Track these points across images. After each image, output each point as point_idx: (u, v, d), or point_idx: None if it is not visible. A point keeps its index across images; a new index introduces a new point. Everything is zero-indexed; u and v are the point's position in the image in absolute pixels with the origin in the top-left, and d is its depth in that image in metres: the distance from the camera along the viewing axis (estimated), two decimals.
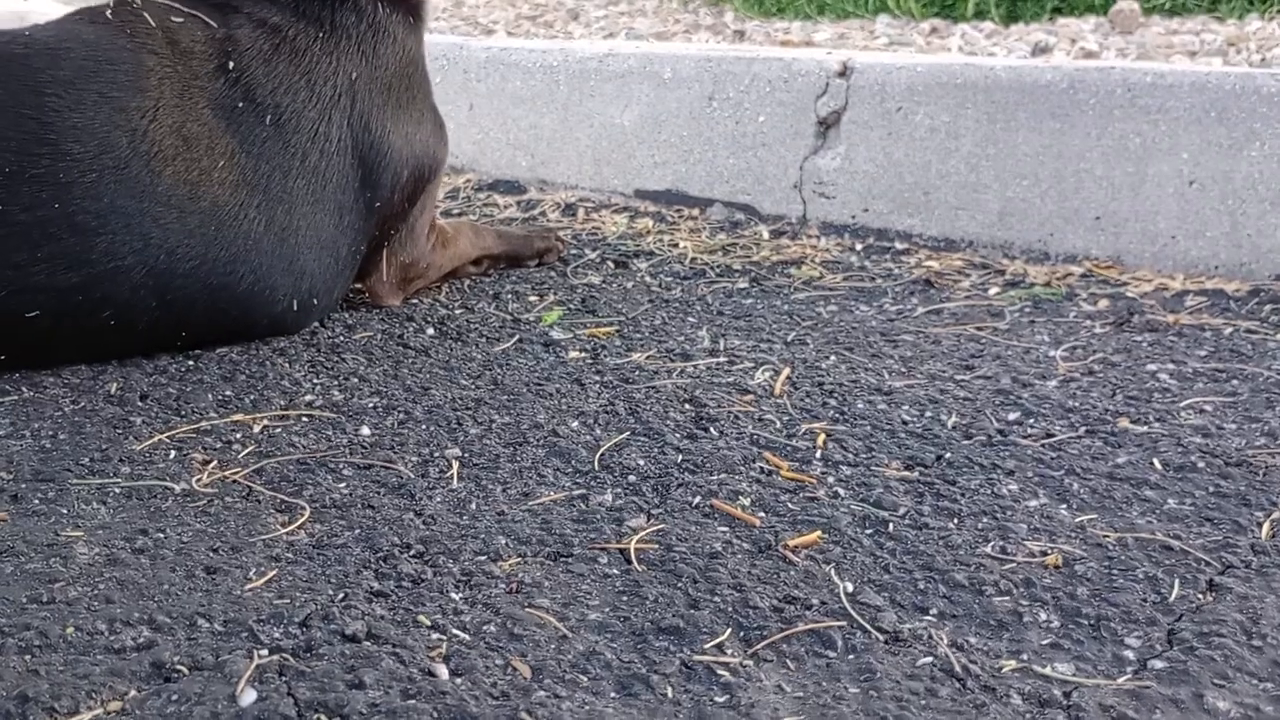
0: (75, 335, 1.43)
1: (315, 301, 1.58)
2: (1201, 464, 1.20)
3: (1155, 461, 1.21)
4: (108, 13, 1.52)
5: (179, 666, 0.87)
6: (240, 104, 1.51)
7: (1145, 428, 1.29)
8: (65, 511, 1.11)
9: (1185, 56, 2.34)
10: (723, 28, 3.16)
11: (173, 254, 1.44)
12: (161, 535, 1.06)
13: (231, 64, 1.51)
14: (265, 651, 0.89)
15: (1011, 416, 1.33)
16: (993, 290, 1.80)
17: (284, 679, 0.85)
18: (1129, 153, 1.85)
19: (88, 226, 1.39)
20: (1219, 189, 1.78)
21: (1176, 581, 0.99)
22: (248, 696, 0.83)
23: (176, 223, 1.44)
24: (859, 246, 2.05)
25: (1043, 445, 1.25)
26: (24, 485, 1.16)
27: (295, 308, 1.55)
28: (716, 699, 0.84)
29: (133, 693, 0.84)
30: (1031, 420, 1.32)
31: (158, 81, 1.47)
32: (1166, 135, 1.81)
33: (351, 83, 1.58)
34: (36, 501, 1.13)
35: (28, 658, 0.88)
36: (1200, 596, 0.97)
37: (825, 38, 2.81)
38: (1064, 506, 1.12)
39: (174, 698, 0.83)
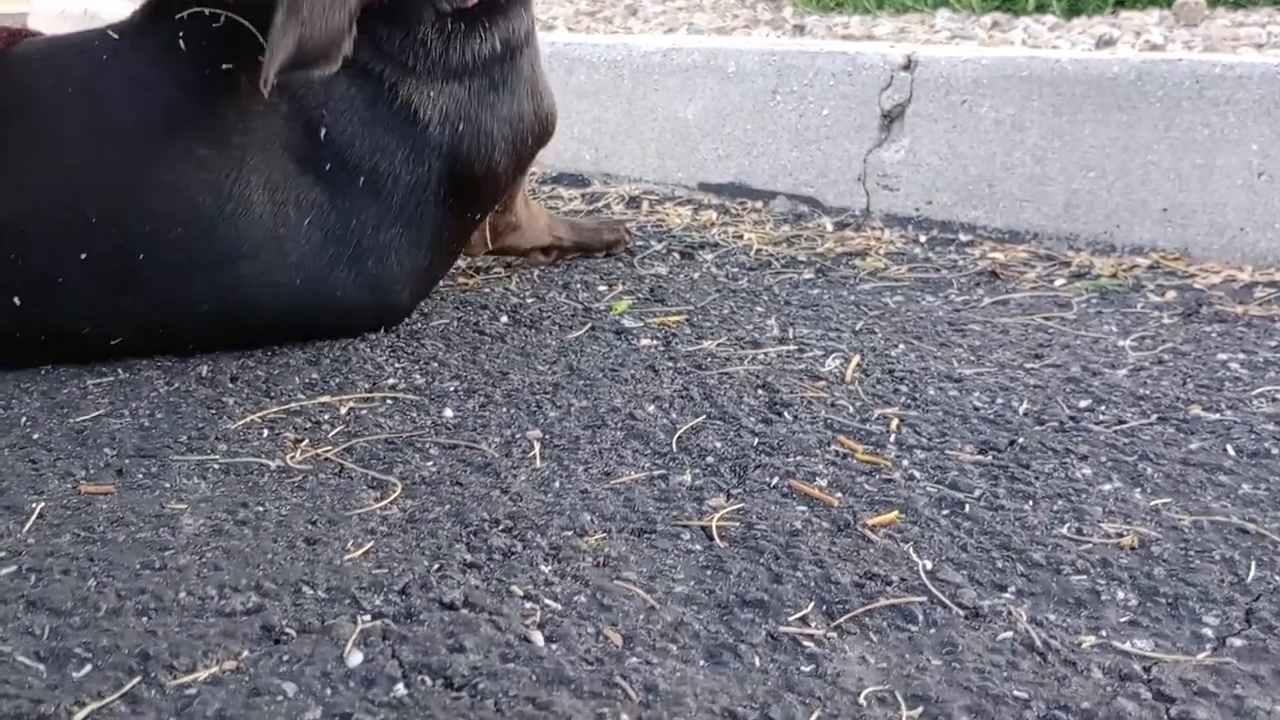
0: (159, 351, 1.51)
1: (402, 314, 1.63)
2: (1275, 450, 1.21)
3: (1228, 448, 1.22)
4: (181, 41, 1.46)
5: (288, 630, 0.91)
6: (328, 162, 1.49)
7: (1217, 415, 1.30)
8: (168, 486, 1.16)
9: (1252, 48, 2.32)
10: (782, 23, 3.18)
11: (254, 303, 1.47)
12: (261, 509, 1.11)
13: (318, 114, 1.49)
14: (368, 617, 0.93)
15: (1083, 403, 1.34)
16: (1059, 281, 1.81)
17: (388, 643, 0.89)
18: (1197, 144, 1.85)
19: (172, 275, 1.44)
20: None
21: (1253, 563, 1.01)
22: (355, 658, 0.87)
23: (262, 276, 1.46)
24: (923, 238, 2.06)
25: (1115, 431, 1.26)
26: (127, 460, 1.22)
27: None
28: (803, 668, 0.87)
29: (246, 653, 0.88)
30: (1103, 407, 1.33)
31: (241, 137, 1.45)
32: (1235, 127, 1.81)
33: (445, 117, 1.54)
34: (141, 476, 1.18)
35: (145, 619, 0.92)
36: (1278, 578, 0.99)
37: (885, 32, 2.82)
38: (1138, 490, 1.14)
39: (285, 658, 0.87)
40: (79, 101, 1.44)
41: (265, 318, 1.50)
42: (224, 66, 1.45)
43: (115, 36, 1.48)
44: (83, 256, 1.41)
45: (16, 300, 1.41)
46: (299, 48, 1.31)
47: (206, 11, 1.44)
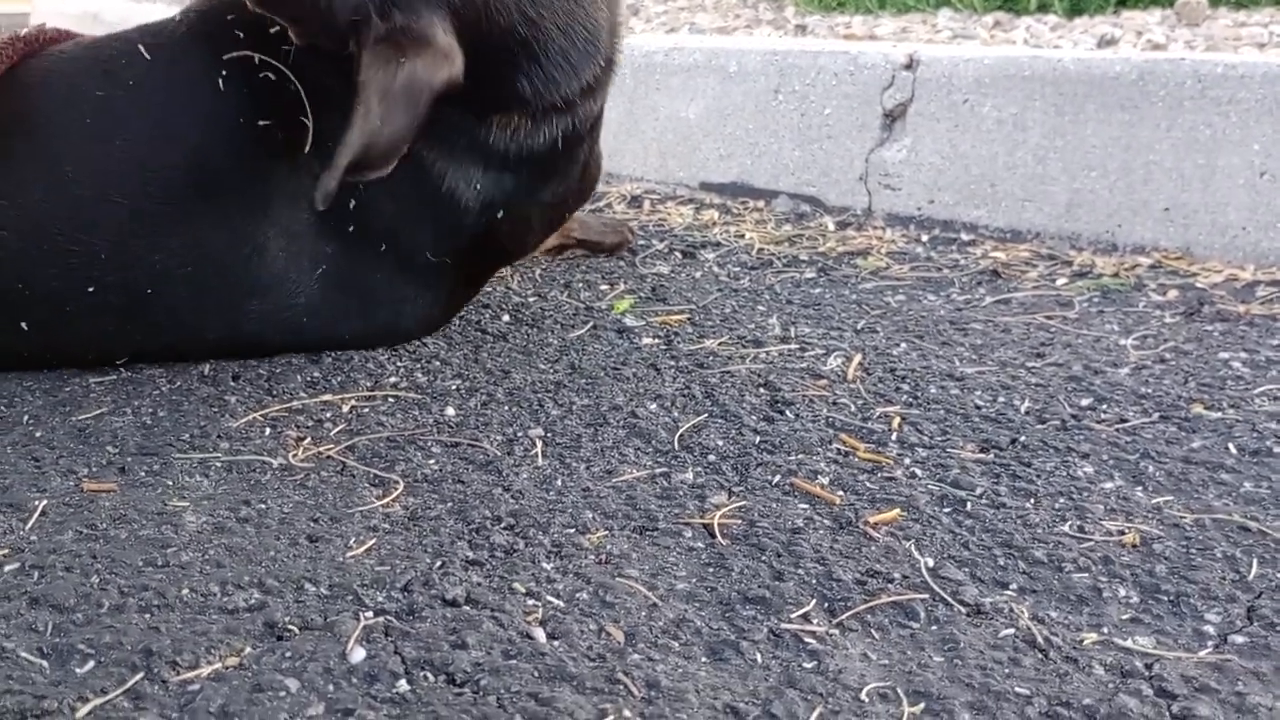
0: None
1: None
2: (1277, 449, 1.21)
3: (1230, 446, 1.22)
4: (221, 83, 1.38)
5: (290, 626, 0.91)
6: (353, 225, 1.43)
7: (1219, 414, 1.30)
8: (171, 483, 1.16)
9: (1254, 48, 2.32)
10: (784, 22, 3.18)
11: (260, 338, 1.47)
12: (264, 506, 1.11)
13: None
14: (371, 614, 0.93)
15: (1084, 402, 1.34)
16: (1060, 280, 1.81)
17: (390, 639, 0.89)
18: (1199, 144, 1.85)
19: (180, 312, 1.43)
20: None
21: (1255, 561, 1.01)
22: (357, 654, 0.87)
23: (272, 315, 1.44)
24: (925, 238, 2.06)
25: (1117, 430, 1.27)
26: (130, 458, 1.22)
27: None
28: (804, 665, 0.87)
29: (248, 649, 0.88)
30: (1104, 406, 1.33)
31: (266, 186, 1.40)
32: (1237, 126, 1.81)
33: (487, 205, 1.46)
34: (143, 474, 1.18)
35: (148, 616, 0.93)
36: (1279, 576, 0.99)
37: (887, 32, 2.82)
38: (1140, 488, 1.14)
39: (288, 654, 0.87)
40: (99, 131, 1.39)
41: (269, 350, 1.49)
42: (260, 120, 1.38)
43: (147, 57, 1.40)
44: (90, 290, 1.38)
45: (24, 325, 1.40)
46: (364, 152, 1.21)
47: (256, 59, 1.36)
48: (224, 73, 1.38)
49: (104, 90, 1.40)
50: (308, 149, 1.34)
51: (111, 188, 1.38)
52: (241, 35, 1.38)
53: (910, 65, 2.12)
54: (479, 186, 1.44)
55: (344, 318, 1.48)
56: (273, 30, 1.35)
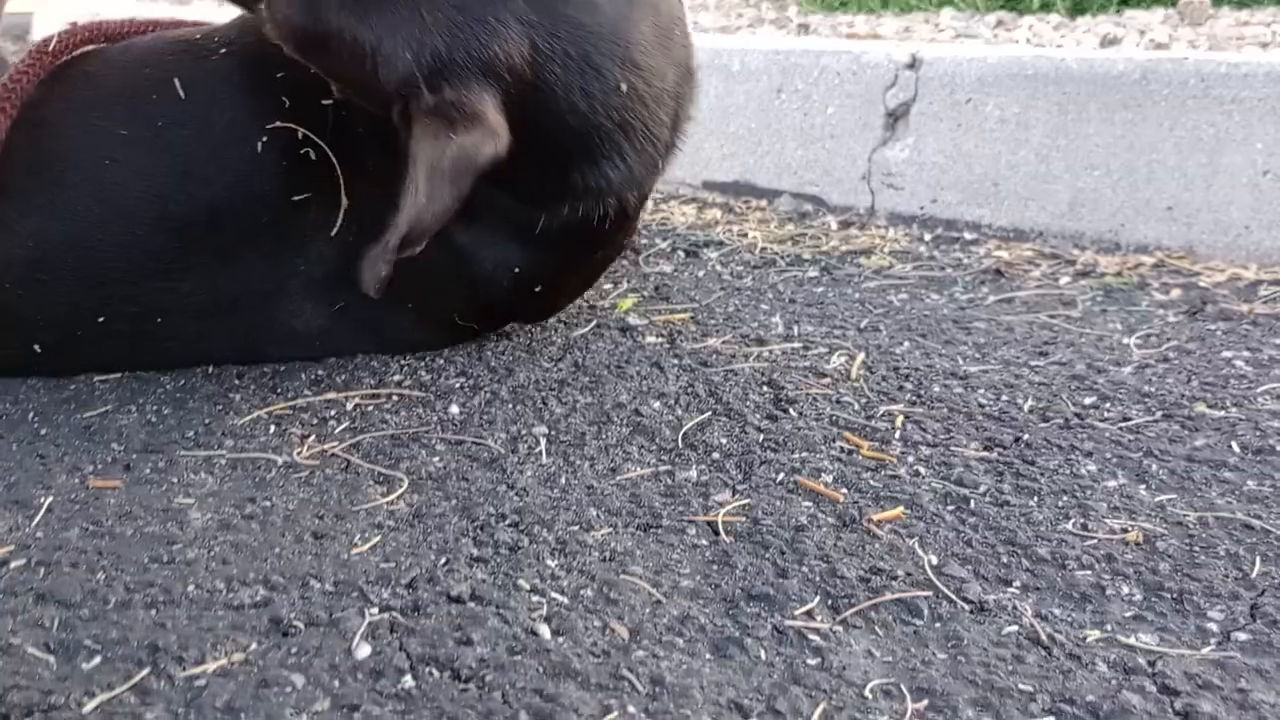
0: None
1: None
2: None
3: (1233, 445, 1.22)
4: (257, 143, 1.35)
5: (295, 622, 0.91)
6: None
7: (1222, 412, 1.30)
8: (176, 480, 1.17)
9: (1257, 48, 2.32)
10: (786, 22, 3.18)
11: (269, 356, 1.47)
12: (269, 503, 1.11)
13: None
14: (376, 610, 0.93)
15: (1088, 401, 1.34)
16: (1064, 280, 1.81)
17: (395, 635, 0.90)
18: (1202, 143, 1.85)
19: (191, 342, 1.43)
20: None
21: (1258, 559, 1.01)
22: (362, 650, 0.88)
23: (291, 349, 1.45)
24: (928, 237, 2.06)
25: (1120, 428, 1.27)
26: (135, 456, 1.22)
27: None
28: (808, 661, 0.88)
29: (254, 645, 0.89)
30: (1108, 404, 1.33)
31: (290, 231, 1.37)
32: (1240, 126, 1.81)
33: (516, 282, 1.43)
34: (148, 471, 1.19)
35: (154, 612, 0.93)
36: None
37: (890, 31, 2.83)
38: (1143, 486, 1.14)
39: (293, 650, 0.88)
40: (120, 174, 1.35)
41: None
42: (298, 192, 1.35)
43: (182, 95, 1.36)
44: (100, 320, 1.37)
45: (37, 348, 1.40)
46: (409, 231, 1.14)
47: (299, 134, 1.33)
48: (262, 127, 1.34)
49: (129, 131, 1.36)
50: (340, 219, 1.32)
51: (133, 225, 1.35)
52: (280, 77, 1.33)
53: (913, 64, 2.12)
54: (515, 264, 1.40)
55: (360, 348, 1.48)
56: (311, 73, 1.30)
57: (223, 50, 1.40)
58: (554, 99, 1.22)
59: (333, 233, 1.34)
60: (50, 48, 1.41)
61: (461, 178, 1.14)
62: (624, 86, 1.25)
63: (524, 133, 1.17)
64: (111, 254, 1.35)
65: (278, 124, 1.33)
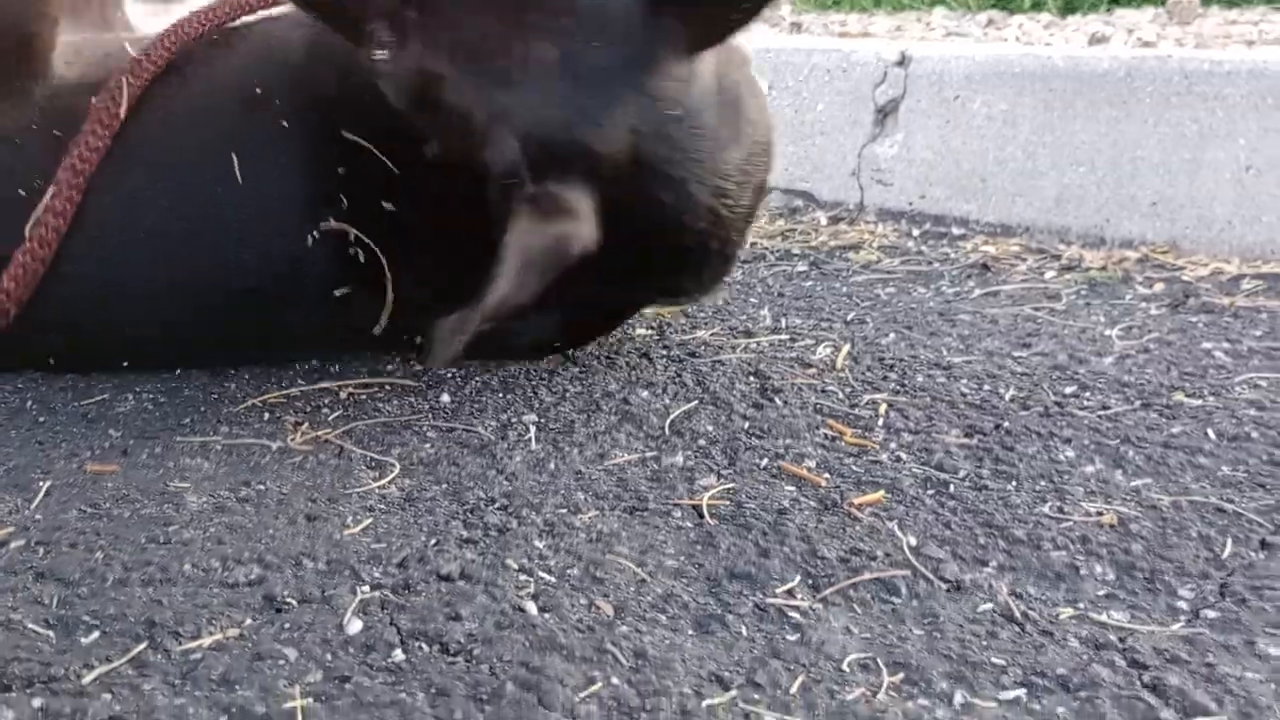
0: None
1: None
2: (1255, 434, 1.24)
3: (1209, 432, 1.25)
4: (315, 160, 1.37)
5: (289, 600, 0.94)
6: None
7: (1200, 401, 1.33)
8: (172, 465, 1.19)
9: (1243, 46, 2.35)
10: (779, 20, 3.21)
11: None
12: (263, 487, 1.14)
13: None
14: (367, 588, 0.95)
15: (1068, 390, 1.37)
16: (1049, 274, 1.84)
17: (386, 612, 0.92)
18: (1186, 140, 1.87)
19: (215, 351, 1.47)
20: (1276, 175, 1.80)
21: (1229, 540, 1.03)
22: (354, 626, 0.90)
23: (314, 341, 1.48)
24: (916, 232, 2.09)
25: (1099, 416, 1.29)
26: (132, 441, 1.24)
27: None
28: (788, 637, 0.90)
29: (249, 621, 0.91)
30: (1088, 393, 1.36)
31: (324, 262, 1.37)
32: (1224, 122, 1.84)
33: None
34: (145, 456, 1.21)
35: (151, 589, 0.95)
36: (1253, 554, 1.01)
37: (882, 29, 2.85)
38: (1119, 472, 1.16)
39: (287, 626, 0.90)
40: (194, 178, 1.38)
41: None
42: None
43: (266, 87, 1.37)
44: (126, 331, 1.41)
45: (52, 357, 1.43)
46: (492, 315, 1.10)
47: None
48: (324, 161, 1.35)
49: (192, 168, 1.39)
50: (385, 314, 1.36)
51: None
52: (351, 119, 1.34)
53: (903, 62, 2.14)
54: (555, 338, 1.46)
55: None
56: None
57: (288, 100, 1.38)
58: (645, 208, 1.23)
59: (376, 330, 1.38)
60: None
61: (550, 270, 1.13)
62: (709, 210, 1.26)
63: (611, 234, 1.17)
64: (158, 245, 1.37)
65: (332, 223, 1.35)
